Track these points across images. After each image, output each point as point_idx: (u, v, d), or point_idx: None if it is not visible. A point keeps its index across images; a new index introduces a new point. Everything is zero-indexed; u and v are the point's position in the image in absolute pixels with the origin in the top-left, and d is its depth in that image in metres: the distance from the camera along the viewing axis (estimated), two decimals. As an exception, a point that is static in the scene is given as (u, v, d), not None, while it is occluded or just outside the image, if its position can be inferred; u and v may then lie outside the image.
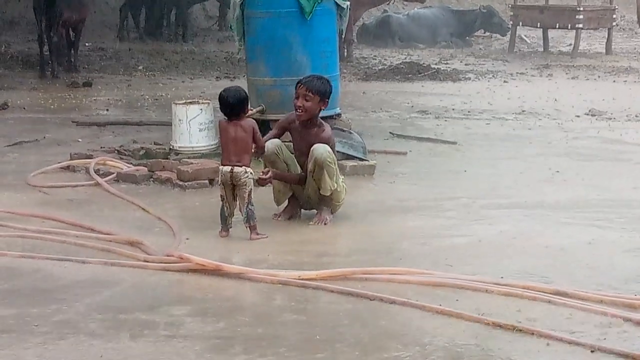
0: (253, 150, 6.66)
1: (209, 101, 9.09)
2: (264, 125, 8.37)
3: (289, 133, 7.06)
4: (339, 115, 9.14)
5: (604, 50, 19.68)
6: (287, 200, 7.05)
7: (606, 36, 19.93)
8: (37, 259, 6.00)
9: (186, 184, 7.86)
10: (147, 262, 5.95)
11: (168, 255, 5.96)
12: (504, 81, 15.42)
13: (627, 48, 20.63)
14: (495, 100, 13.18)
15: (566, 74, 16.36)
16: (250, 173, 6.55)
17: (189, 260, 5.79)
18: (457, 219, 7.04)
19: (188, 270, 5.78)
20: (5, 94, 13.19)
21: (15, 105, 12.35)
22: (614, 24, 20.21)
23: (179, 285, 5.63)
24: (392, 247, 6.45)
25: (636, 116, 11.92)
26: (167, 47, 19.56)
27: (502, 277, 5.64)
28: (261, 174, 6.74)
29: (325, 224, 6.87)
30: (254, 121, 6.78)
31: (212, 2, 22.81)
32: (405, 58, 18.23)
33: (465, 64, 17.68)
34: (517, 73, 16.38)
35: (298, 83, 6.90)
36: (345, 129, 8.81)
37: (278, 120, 7.55)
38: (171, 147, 8.94)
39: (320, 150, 6.74)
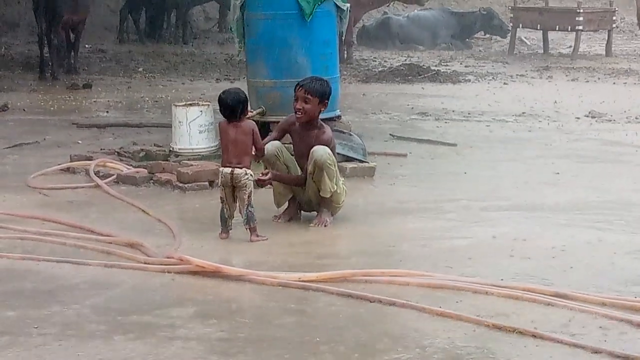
0: (253, 154, 6.65)
1: (209, 103, 9.08)
2: (264, 127, 8.38)
3: (289, 135, 7.06)
4: (339, 117, 9.14)
5: (604, 52, 19.68)
6: (287, 202, 7.05)
7: (606, 38, 19.92)
8: (37, 261, 6.00)
9: (186, 185, 7.86)
10: (147, 264, 5.95)
11: (168, 257, 5.96)
12: (504, 83, 15.42)
13: (627, 50, 20.63)
14: (495, 102, 13.18)
15: (566, 76, 16.37)
16: (251, 175, 6.55)
17: (189, 262, 5.79)
18: (457, 221, 7.04)
19: (188, 272, 5.78)
20: (5, 95, 13.19)
21: (15, 107, 12.35)
22: (614, 26, 20.22)
23: (179, 287, 5.63)
24: (392, 249, 6.44)
25: (636, 118, 11.92)
26: (167, 49, 19.57)
27: (502, 279, 5.64)
28: (261, 175, 6.74)
29: (325, 225, 6.87)
30: (254, 123, 6.78)
31: (212, 4, 22.81)
32: (405, 60, 18.24)
33: (465, 66, 17.69)
34: (517, 75, 16.38)
35: (297, 85, 6.90)
36: (345, 130, 8.81)
37: (278, 122, 7.55)
38: (171, 149, 8.93)
39: (320, 152, 6.74)
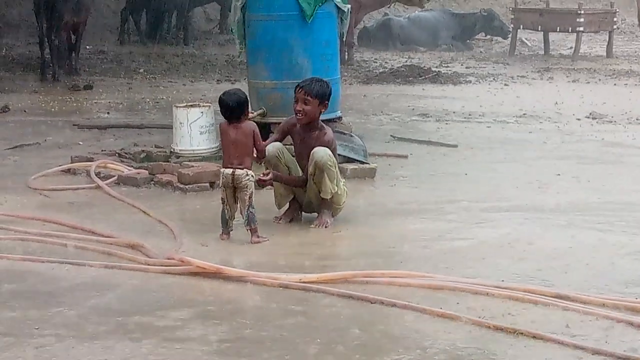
0: (255, 156, 6.66)
1: (209, 104, 9.09)
2: (265, 128, 8.38)
3: (290, 136, 7.06)
4: (339, 118, 9.15)
5: (605, 54, 19.69)
6: (288, 203, 7.05)
7: (607, 39, 19.92)
8: (38, 262, 6.00)
9: (187, 186, 7.86)
10: (148, 265, 5.95)
11: (169, 259, 5.96)
12: (505, 84, 15.42)
13: (627, 51, 20.63)
14: (496, 103, 13.18)
15: (567, 77, 16.37)
16: (252, 176, 6.55)
17: (190, 263, 5.79)
18: (458, 222, 7.04)
19: (189, 273, 5.78)
20: (6, 96, 13.19)
21: (16, 108, 12.36)
22: (615, 27, 20.21)
23: (179, 288, 5.63)
24: (392, 250, 6.45)
25: (637, 119, 11.92)
26: (168, 50, 19.57)
27: (502, 280, 5.64)
28: (262, 175, 6.74)
29: (326, 227, 6.87)
30: (255, 124, 6.78)
31: (212, 5, 22.82)
32: (406, 61, 18.24)
33: (466, 67, 17.69)
34: (518, 76, 16.38)
35: (297, 87, 6.90)
36: (346, 132, 8.81)
37: (279, 123, 7.56)
38: (172, 150, 8.94)
39: (321, 153, 6.74)
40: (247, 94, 7.05)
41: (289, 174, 6.93)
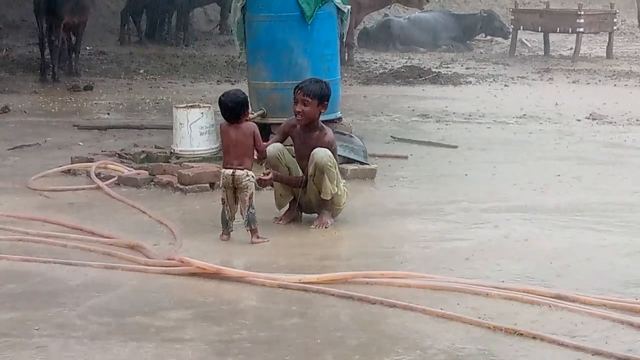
0: (256, 157, 6.66)
1: (209, 105, 9.09)
2: (265, 129, 8.38)
3: (290, 137, 7.06)
4: (339, 119, 9.15)
5: (605, 54, 19.69)
6: (288, 204, 7.05)
7: (607, 40, 19.93)
8: (38, 263, 6.00)
9: (187, 187, 7.86)
10: (148, 265, 5.95)
11: (169, 259, 5.96)
12: (505, 85, 15.42)
13: (627, 52, 20.64)
14: (496, 104, 13.18)
15: (567, 78, 16.37)
16: (252, 176, 6.55)
17: (190, 264, 5.79)
18: (458, 223, 7.04)
19: (189, 274, 5.78)
20: (6, 97, 13.20)
21: (16, 108, 12.36)
22: (615, 28, 20.22)
23: (179, 288, 5.63)
24: (392, 251, 6.45)
25: (637, 120, 11.92)
26: (168, 50, 19.57)
27: (502, 281, 5.64)
28: (262, 175, 6.74)
29: (326, 227, 6.87)
30: (255, 125, 6.77)
31: (212, 6, 22.83)
32: (406, 62, 18.25)
33: (466, 68, 17.69)
34: (518, 77, 16.39)
35: (296, 88, 6.90)
36: (346, 132, 8.81)
37: (279, 123, 7.56)
38: (172, 150, 8.94)
39: (321, 154, 6.74)
40: (247, 95, 7.05)
41: (290, 175, 6.94)
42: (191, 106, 9.11)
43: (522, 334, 4.83)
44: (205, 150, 8.83)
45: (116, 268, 5.92)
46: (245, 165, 6.53)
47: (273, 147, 6.87)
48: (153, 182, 8.14)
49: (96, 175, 8.24)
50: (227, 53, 18.78)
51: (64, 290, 5.57)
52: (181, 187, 7.89)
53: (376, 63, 18.42)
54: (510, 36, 20.59)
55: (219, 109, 6.71)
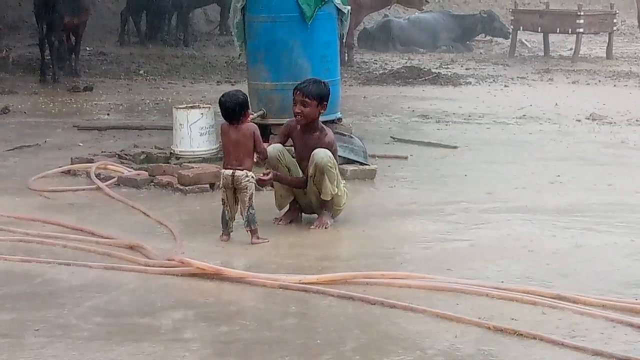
0: (256, 159, 6.66)
1: (209, 105, 9.09)
2: (265, 130, 8.38)
3: (290, 139, 7.06)
4: (339, 119, 9.15)
5: (605, 55, 19.68)
6: (288, 205, 7.05)
7: (607, 41, 19.92)
8: (38, 263, 6.00)
9: (187, 188, 7.86)
10: (148, 266, 5.95)
11: (169, 260, 5.96)
12: (505, 85, 15.42)
13: (627, 52, 20.63)
14: (495, 105, 13.17)
15: (567, 78, 16.37)
16: (252, 177, 6.55)
17: (190, 265, 5.79)
18: (458, 224, 7.04)
19: (189, 275, 5.78)
20: (6, 98, 13.19)
21: (16, 109, 12.36)
22: (615, 28, 20.21)
23: (179, 289, 5.63)
24: (392, 252, 6.45)
25: (637, 120, 11.92)
26: (168, 51, 19.56)
27: (502, 282, 5.64)
28: (262, 175, 6.74)
29: (326, 228, 6.87)
30: (255, 125, 6.77)
31: (212, 7, 22.81)
32: (406, 62, 18.24)
33: (466, 69, 17.69)
34: (518, 77, 16.38)
35: (295, 89, 6.90)
36: (346, 133, 8.81)
37: (279, 124, 7.56)
38: (172, 151, 8.94)
39: (321, 154, 6.74)
40: (247, 95, 7.04)
41: (290, 175, 6.93)
42: (191, 107, 9.11)
43: (522, 335, 4.83)
44: (205, 150, 8.83)
45: (116, 269, 5.92)
46: (244, 166, 6.54)
47: (273, 148, 6.88)
48: (153, 183, 8.14)
49: (96, 176, 8.24)
50: (227, 54, 18.78)
51: (64, 290, 5.57)
52: (181, 187, 7.89)
53: (376, 64, 18.42)
54: (510, 37, 20.58)
55: (219, 110, 6.71)
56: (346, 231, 6.87)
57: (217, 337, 4.89)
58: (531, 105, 13.03)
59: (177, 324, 5.04)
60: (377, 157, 9.21)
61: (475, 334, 4.89)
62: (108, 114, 12.33)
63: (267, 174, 6.76)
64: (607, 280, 5.74)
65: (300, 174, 6.95)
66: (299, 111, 6.83)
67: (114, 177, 8.23)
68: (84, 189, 8.05)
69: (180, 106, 9.16)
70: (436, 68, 17.28)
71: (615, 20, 20.05)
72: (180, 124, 8.84)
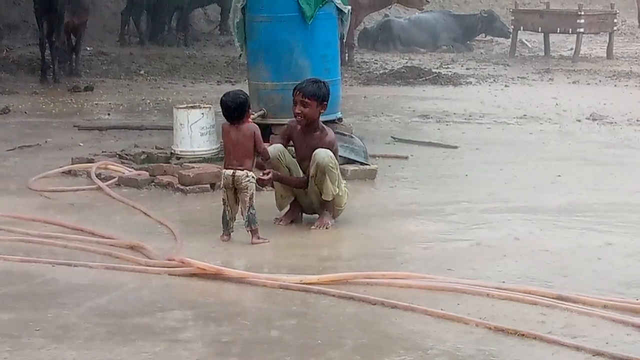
0: (261, 160, 6.65)
1: (210, 105, 9.09)
2: (266, 130, 8.37)
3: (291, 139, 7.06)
4: (340, 119, 9.15)
5: (605, 55, 19.69)
6: (288, 205, 7.05)
7: (607, 41, 19.93)
8: (39, 263, 6.00)
9: (187, 188, 7.86)
10: (149, 266, 5.95)
11: (169, 260, 5.96)
12: (505, 85, 15.42)
13: (628, 52, 20.64)
14: (496, 105, 13.17)
15: (567, 78, 16.37)
16: (252, 177, 6.54)
17: (190, 265, 5.79)
18: (459, 223, 7.04)
19: (189, 275, 5.77)
20: (6, 98, 13.20)
21: (16, 109, 12.36)
22: (615, 28, 20.21)
23: (180, 289, 5.63)
24: (393, 252, 6.44)
25: (637, 120, 11.91)
26: (169, 51, 19.56)
27: (503, 282, 5.64)
28: (262, 174, 6.74)
29: (326, 228, 6.86)
30: (256, 126, 6.77)
31: (213, 7, 22.82)
32: (407, 62, 18.25)
33: (467, 69, 17.69)
34: (518, 77, 16.38)
35: (295, 89, 6.90)
36: (346, 133, 8.81)
37: (279, 124, 7.56)
38: (172, 151, 8.94)
39: (322, 154, 6.74)
40: (247, 94, 7.04)
41: (290, 176, 6.93)
42: (191, 107, 9.11)
43: (523, 335, 4.82)
44: (205, 150, 8.83)
45: (117, 269, 5.92)
46: (245, 166, 6.53)
47: (273, 148, 6.87)
48: (153, 183, 8.14)
49: (97, 176, 8.24)
50: (227, 54, 18.78)
51: (64, 290, 5.57)
52: (182, 187, 7.89)
53: (376, 63, 18.42)
54: (511, 36, 20.59)
55: (219, 110, 6.71)
56: (347, 231, 6.87)
57: (218, 337, 4.89)
58: (532, 105, 13.03)
59: (177, 324, 5.03)
60: (378, 157, 9.21)
61: (476, 334, 4.88)
62: (108, 114, 12.33)
63: (267, 174, 6.75)
64: (608, 280, 5.73)
65: (301, 174, 6.95)
66: (299, 111, 6.83)
67: (114, 177, 8.23)
68: (84, 189, 8.05)
69: (180, 106, 9.16)
70: (437, 68, 17.29)
71: (615, 20, 20.05)
72: (181, 124, 8.83)
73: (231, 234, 6.59)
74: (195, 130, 8.79)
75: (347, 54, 17.48)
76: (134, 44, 20.43)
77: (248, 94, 7.09)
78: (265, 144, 6.81)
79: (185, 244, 6.38)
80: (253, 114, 8.01)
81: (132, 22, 20.72)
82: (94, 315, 5.17)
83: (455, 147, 10.01)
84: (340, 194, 6.87)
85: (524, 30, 20.56)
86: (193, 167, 8.17)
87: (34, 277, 5.79)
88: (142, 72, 16.57)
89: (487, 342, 4.78)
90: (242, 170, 6.51)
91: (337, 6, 8.90)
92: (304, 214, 7.09)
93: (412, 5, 19.99)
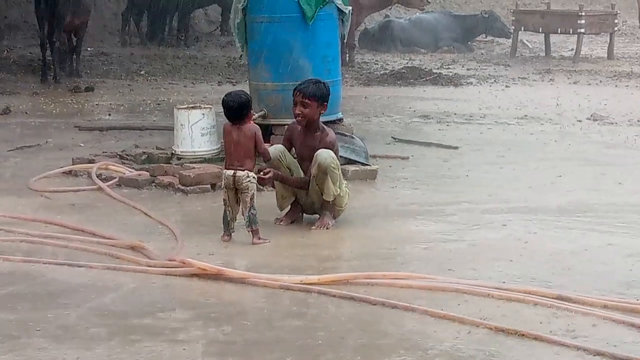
0: (264, 162, 6.66)
1: (210, 106, 9.09)
2: (267, 130, 8.38)
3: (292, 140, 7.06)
4: (340, 120, 9.14)
5: (606, 55, 19.68)
6: (289, 205, 7.05)
7: (608, 41, 19.92)
8: (39, 264, 6.00)
9: (188, 188, 7.86)
10: (149, 266, 5.95)
11: (170, 260, 5.96)
12: (506, 86, 15.42)
13: (628, 53, 20.63)
14: (497, 105, 13.17)
15: (568, 78, 16.37)
16: (253, 177, 6.55)
17: (191, 265, 5.79)
18: (459, 224, 7.04)
19: (190, 275, 5.78)
20: (7, 98, 13.20)
21: (17, 110, 12.36)
22: (616, 29, 20.21)
23: (181, 289, 5.63)
24: (394, 252, 6.44)
25: (638, 121, 11.91)
26: (169, 51, 19.57)
27: (504, 282, 5.64)
28: (262, 173, 6.74)
29: (327, 228, 6.87)
30: (257, 126, 6.77)
31: (213, 7, 22.82)
32: (407, 63, 18.25)
33: (467, 69, 17.69)
34: (519, 78, 16.38)
35: (295, 90, 6.90)
36: (347, 133, 8.81)
37: (280, 124, 7.56)
38: (173, 151, 8.94)
39: (324, 155, 6.74)
40: (249, 95, 7.04)
41: (291, 176, 6.93)
42: (192, 107, 9.11)
43: (523, 335, 4.82)
44: (206, 151, 8.83)
45: (117, 269, 5.92)
46: (246, 166, 6.54)
47: (274, 149, 6.88)
48: (154, 183, 8.14)
49: (97, 176, 8.24)
50: (228, 54, 18.78)
51: (65, 291, 5.57)
52: (182, 188, 7.90)
53: (377, 64, 18.42)
54: (511, 37, 20.58)
55: (219, 110, 6.71)
56: (347, 231, 6.87)
57: (219, 338, 4.89)
58: (532, 106, 13.03)
59: (178, 325, 5.04)
60: (378, 157, 9.21)
61: (477, 334, 4.88)
62: (109, 115, 12.33)
63: (267, 173, 6.76)
64: (608, 280, 5.74)
65: (302, 174, 6.95)
66: (299, 112, 6.84)
67: (115, 178, 8.23)
68: (85, 190, 8.05)
69: (181, 106, 9.16)
70: (437, 68, 17.29)
71: (616, 21, 20.05)
72: (182, 125, 8.84)
73: (232, 234, 6.59)
74: (196, 131, 8.79)
75: (347, 55, 17.48)
76: (134, 44, 20.44)
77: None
78: (266, 144, 6.82)
79: (186, 244, 6.38)
80: (254, 115, 8.01)
81: (132, 22, 20.72)
82: (95, 315, 5.17)
83: (456, 148, 10.02)
84: (341, 194, 6.87)
85: (524, 30, 20.55)
86: (194, 168, 8.17)
87: (35, 277, 5.79)
88: (142, 72, 16.57)
89: (488, 343, 4.78)
90: (243, 170, 6.51)
91: (337, 7, 8.90)
92: (304, 214, 7.09)
93: (412, 6, 19.98)
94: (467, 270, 5.90)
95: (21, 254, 6.20)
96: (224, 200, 6.60)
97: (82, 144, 10.04)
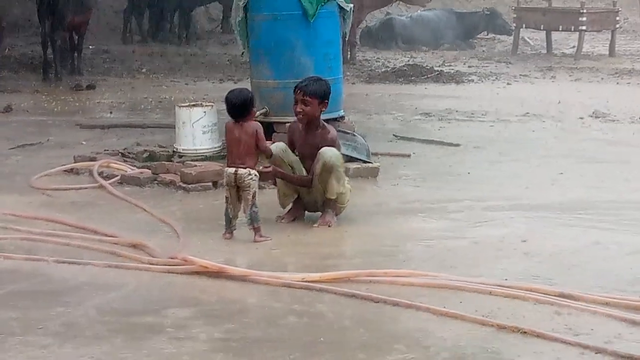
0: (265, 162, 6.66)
1: (212, 104, 9.10)
2: (268, 128, 8.37)
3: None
4: (342, 117, 9.14)
5: (608, 52, 19.68)
6: (291, 203, 7.04)
7: (609, 38, 19.92)
8: (41, 262, 6.00)
9: (190, 186, 7.87)
10: (151, 264, 5.95)
11: (172, 258, 5.96)
12: (508, 83, 15.41)
13: (630, 50, 20.62)
14: (498, 103, 13.17)
15: (569, 76, 16.36)
16: (255, 175, 6.54)
17: (193, 263, 5.80)
18: (461, 221, 7.04)
19: (192, 273, 5.78)
20: (9, 96, 13.21)
21: (18, 108, 12.37)
22: (618, 26, 20.20)
23: (183, 287, 5.63)
24: (395, 249, 6.44)
25: (639, 118, 11.91)
26: (171, 49, 19.58)
27: (506, 279, 5.63)
28: (262, 168, 6.73)
29: (329, 226, 6.86)
30: (259, 124, 6.76)
31: (215, 5, 22.83)
32: (409, 60, 18.24)
33: (469, 66, 17.69)
34: (521, 75, 16.38)
35: (295, 88, 6.89)
36: (348, 131, 8.81)
37: (282, 122, 7.55)
38: (175, 149, 8.94)
39: (329, 154, 6.73)
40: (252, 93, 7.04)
41: (294, 174, 6.93)
42: (194, 105, 9.11)
43: (525, 333, 4.82)
44: (207, 149, 8.83)
45: (119, 267, 5.92)
46: (247, 164, 6.54)
47: (276, 147, 6.88)
48: (156, 181, 8.14)
49: (99, 174, 8.25)
50: (229, 52, 18.79)
51: (67, 289, 5.57)
52: (184, 185, 7.90)
53: (378, 62, 18.42)
54: (513, 34, 20.58)
55: (221, 108, 6.71)
56: (349, 229, 6.87)
57: (220, 335, 4.89)
58: (534, 103, 13.02)
59: (180, 322, 5.04)
60: (380, 155, 9.21)
61: (479, 332, 4.88)
62: (111, 112, 12.34)
63: (268, 167, 6.76)
64: (610, 278, 5.73)
65: (304, 172, 6.95)
66: (300, 110, 6.83)
67: (117, 176, 8.24)
68: (86, 187, 8.05)
69: (182, 104, 9.16)
70: (439, 66, 17.28)
71: (618, 18, 20.04)
72: (183, 122, 8.84)
73: (234, 232, 6.59)
74: (198, 129, 8.79)
75: (349, 52, 17.48)
76: (136, 42, 20.46)
77: (251, 92, 7.10)
78: (267, 142, 6.81)
79: (187, 242, 6.38)
80: (255, 112, 8.01)
81: (134, 20, 20.74)
82: (97, 313, 5.17)
83: (458, 145, 10.01)
84: (343, 192, 6.87)
85: (526, 28, 20.55)
86: (195, 165, 8.17)
87: (37, 275, 5.79)
88: (144, 70, 16.58)
89: (490, 340, 4.78)
90: (245, 168, 6.51)
91: (339, 4, 8.89)
92: (306, 212, 7.09)
93: (414, 3, 19.99)
94: (469, 268, 5.90)
95: (23, 251, 6.20)
96: (225, 197, 6.60)
97: (83, 142, 10.04)
